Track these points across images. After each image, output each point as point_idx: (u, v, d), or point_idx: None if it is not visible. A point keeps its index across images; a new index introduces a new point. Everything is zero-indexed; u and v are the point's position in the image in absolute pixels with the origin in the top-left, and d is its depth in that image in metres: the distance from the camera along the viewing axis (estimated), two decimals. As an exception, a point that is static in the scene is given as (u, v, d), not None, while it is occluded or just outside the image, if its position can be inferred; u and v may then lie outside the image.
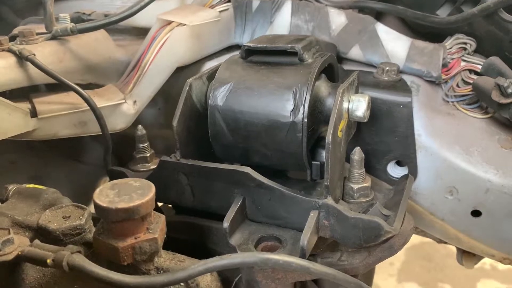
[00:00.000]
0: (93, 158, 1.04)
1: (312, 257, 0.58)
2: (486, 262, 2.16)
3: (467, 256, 0.90)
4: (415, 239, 0.64)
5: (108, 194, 0.48)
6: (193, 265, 0.46)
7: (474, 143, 0.70)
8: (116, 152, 0.75)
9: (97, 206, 0.47)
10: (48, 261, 0.46)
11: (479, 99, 0.74)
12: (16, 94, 0.71)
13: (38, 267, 0.51)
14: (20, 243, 0.49)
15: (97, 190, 0.48)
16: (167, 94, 0.83)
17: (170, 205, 0.70)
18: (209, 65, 0.83)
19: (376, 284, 2.06)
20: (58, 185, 0.72)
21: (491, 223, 0.71)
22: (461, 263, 0.91)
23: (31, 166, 0.96)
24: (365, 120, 0.59)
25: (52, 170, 1.00)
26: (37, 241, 0.49)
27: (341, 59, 0.79)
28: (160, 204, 0.70)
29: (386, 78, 0.73)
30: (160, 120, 0.89)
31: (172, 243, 0.54)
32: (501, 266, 2.16)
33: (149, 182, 0.50)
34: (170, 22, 0.77)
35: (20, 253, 0.48)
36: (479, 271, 2.17)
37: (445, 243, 0.86)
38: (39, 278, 0.51)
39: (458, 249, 0.91)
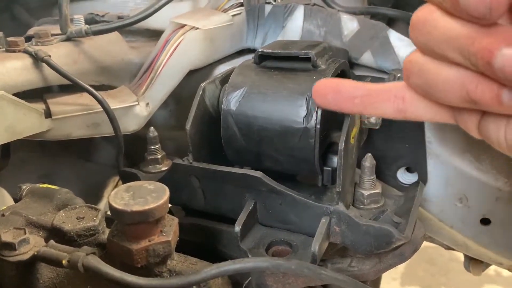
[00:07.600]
0: (103, 158, 1.05)
1: (322, 262, 0.59)
2: (491, 268, 2.16)
3: (474, 263, 0.90)
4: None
5: (123, 196, 0.48)
6: (205, 268, 0.46)
7: (485, 151, 0.70)
8: (126, 152, 0.75)
9: (112, 209, 0.47)
10: (64, 261, 0.47)
11: (490, 107, 0.74)
12: (29, 95, 0.72)
13: (52, 267, 0.52)
14: (35, 243, 0.50)
15: (112, 193, 0.49)
16: (178, 96, 0.83)
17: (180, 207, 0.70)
18: (220, 69, 0.84)
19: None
20: (67, 184, 0.73)
21: (501, 232, 0.71)
22: (468, 270, 0.91)
23: (42, 165, 0.97)
24: (378, 127, 0.59)
25: (62, 169, 1.01)
26: (52, 242, 0.50)
27: (352, 64, 0.79)
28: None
29: (397, 85, 0.73)
30: (171, 122, 0.90)
31: (181, 245, 0.54)
32: (505, 272, 2.16)
33: (163, 185, 0.50)
34: (183, 26, 0.77)
35: (35, 253, 0.49)
36: (483, 276, 2.16)
37: (453, 249, 0.86)
38: (53, 278, 0.52)
39: (466, 256, 0.91)
